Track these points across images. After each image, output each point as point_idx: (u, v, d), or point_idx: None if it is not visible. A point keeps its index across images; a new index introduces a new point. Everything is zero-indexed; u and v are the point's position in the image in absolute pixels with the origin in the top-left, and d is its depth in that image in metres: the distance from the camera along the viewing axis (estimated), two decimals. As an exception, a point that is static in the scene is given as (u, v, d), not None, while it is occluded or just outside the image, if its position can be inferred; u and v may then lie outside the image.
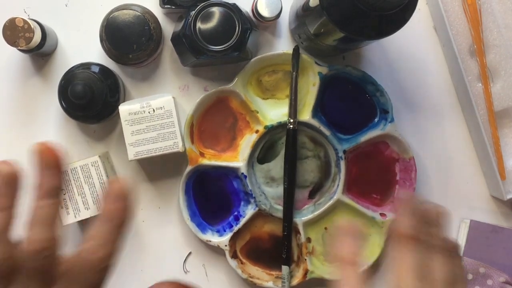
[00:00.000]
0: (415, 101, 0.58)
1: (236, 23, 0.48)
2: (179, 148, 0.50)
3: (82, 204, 0.51)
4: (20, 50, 0.51)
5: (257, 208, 0.54)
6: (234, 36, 0.48)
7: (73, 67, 0.52)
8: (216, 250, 0.56)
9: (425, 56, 0.58)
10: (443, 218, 0.39)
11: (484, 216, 0.58)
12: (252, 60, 0.53)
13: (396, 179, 0.56)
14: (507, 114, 0.57)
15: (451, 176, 0.58)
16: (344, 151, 0.54)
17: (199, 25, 0.47)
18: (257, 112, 0.54)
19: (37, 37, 0.50)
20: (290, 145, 0.53)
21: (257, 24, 0.54)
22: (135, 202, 0.40)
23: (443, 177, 0.58)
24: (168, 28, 0.55)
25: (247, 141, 0.55)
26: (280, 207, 0.55)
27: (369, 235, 0.56)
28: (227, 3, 0.48)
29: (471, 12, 0.56)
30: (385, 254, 0.57)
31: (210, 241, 0.54)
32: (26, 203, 0.38)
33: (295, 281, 0.55)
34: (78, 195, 0.51)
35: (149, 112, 0.50)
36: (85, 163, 0.51)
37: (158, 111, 0.50)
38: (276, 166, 0.55)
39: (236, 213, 0.56)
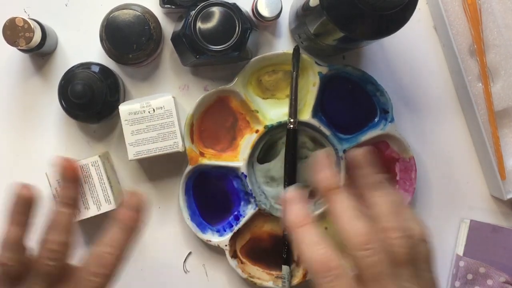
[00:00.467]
0: (415, 101, 0.58)
1: (236, 23, 0.48)
2: (179, 147, 0.50)
3: (82, 204, 0.51)
4: (20, 50, 0.51)
5: (257, 208, 0.54)
6: (234, 36, 0.48)
7: (73, 66, 0.52)
8: (216, 250, 0.56)
9: (425, 55, 0.58)
10: (365, 158, 0.41)
11: (484, 216, 0.58)
12: (252, 60, 0.53)
13: (396, 179, 0.56)
14: (507, 114, 0.57)
15: (451, 176, 0.58)
16: (344, 151, 0.54)
17: (199, 24, 0.47)
18: (257, 112, 0.54)
19: (37, 36, 0.50)
20: (290, 145, 0.53)
21: (257, 24, 0.54)
22: (147, 218, 0.44)
23: (443, 177, 0.58)
24: (168, 28, 0.55)
25: (247, 141, 0.55)
26: (280, 207, 0.55)
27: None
28: (227, 2, 0.48)
29: (471, 12, 0.56)
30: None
31: (210, 240, 0.54)
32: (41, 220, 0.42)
33: (295, 281, 0.55)
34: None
35: (149, 112, 0.50)
36: (85, 163, 0.51)
37: (158, 110, 0.50)
38: (276, 166, 0.55)
39: (236, 212, 0.56)
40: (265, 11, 0.51)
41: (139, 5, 0.51)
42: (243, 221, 0.55)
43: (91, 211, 0.51)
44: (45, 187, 0.52)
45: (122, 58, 0.51)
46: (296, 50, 0.53)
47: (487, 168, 0.57)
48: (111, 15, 0.49)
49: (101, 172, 0.51)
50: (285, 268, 0.54)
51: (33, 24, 0.49)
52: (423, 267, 0.38)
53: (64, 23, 0.56)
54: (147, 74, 0.56)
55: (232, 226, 0.55)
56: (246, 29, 0.48)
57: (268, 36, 0.57)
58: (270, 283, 0.55)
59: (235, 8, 0.48)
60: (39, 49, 0.51)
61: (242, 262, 0.56)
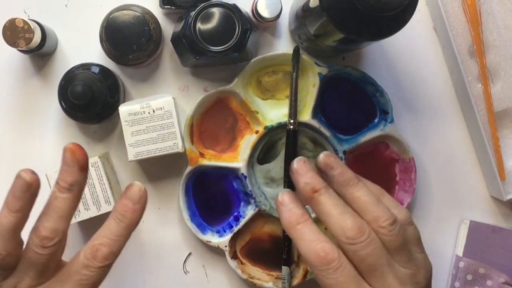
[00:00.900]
0: (415, 101, 0.58)
1: (236, 23, 0.48)
2: (179, 148, 0.50)
3: (82, 205, 0.51)
4: (20, 51, 0.51)
5: (257, 209, 0.54)
6: (234, 37, 0.48)
7: (73, 67, 0.52)
8: (216, 250, 0.56)
9: (425, 56, 0.58)
10: (333, 159, 0.43)
11: (484, 217, 0.58)
12: (252, 60, 0.53)
13: (396, 180, 0.56)
14: (507, 114, 0.57)
15: (451, 176, 0.58)
16: (344, 152, 0.54)
17: (199, 25, 0.47)
18: (257, 113, 0.54)
19: (37, 37, 0.50)
20: (290, 146, 0.53)
21: (257, 25, 0.54)
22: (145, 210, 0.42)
23: (443, 178, 0.58)
24: (168, 28, 0.55)
25: (247, 142, 0.55)
26: (280, 208, 0.55)
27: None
28: (227, 3, 0.48)
29: (471, 13, 0.56)
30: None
31: (210, 241, 0.54)
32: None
33: (295, 282, 0.55)
34: (78, 195, 0.51)
35: (149, 113, 0.50)
36: (85, 163, 0.50)
37: (158, 111, 0.50)
38: (276, 167, 0.56)
39: (236, 213, 0.56)
40: (265, 12, 0.51)
41: (139, 6, 0.52)
42: (243, 222, 0.55)
43: (91, 212, 0.51)
44: (45, 188, 0.52)
45: (122, 59, 0.51)
46: (296, 51, 0.53)
47: (486, 169, 0.57)
48: (111, 16, 0.49)
49: (101, 173, 0.51)
50: (285, 269, 0.54)
51: (33, 25, 0.49)
52: (415, 249, 0.41)
53: (64, 24, 0.56)
54: (147, 75, 0.56)
55: (232, 227, 0.55)
56: (246, 30, 0.48)
57: (268, 37, 0.57)
58: (270, 284, 0.55)
59: (235, 9, 0.48)
60: (39, 50, 0.51)
61: (242, 263, 0.56)
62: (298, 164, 0.43)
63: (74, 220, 0.51)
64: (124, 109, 0.50)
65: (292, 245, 0.55)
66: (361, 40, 0.45)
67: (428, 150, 0.58)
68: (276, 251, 0.55)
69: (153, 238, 0.56)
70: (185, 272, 0.57)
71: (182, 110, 0.56)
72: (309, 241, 0.39)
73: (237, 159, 0.55)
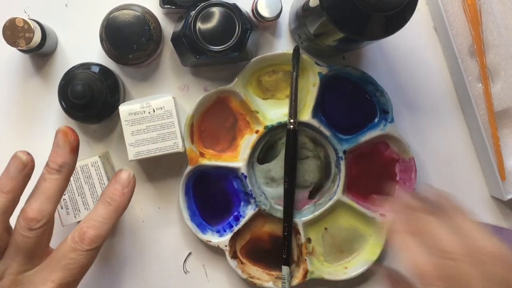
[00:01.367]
0: (415, 101, 0.58)
1: (236, 23, 0.48)
2: (179, 148, 0.50)
3: (82, 204, 0.51)
4: (20, 50, 0.51)
5: (257, 209, 0.54)
6: (234, 36, 0.48)
7: (73, 67, 0.52)
8: (216, 250, 0.56)
9: (425, 56, 0.58)
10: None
11: (484, 217, 0.58)
12: (252, 60, 0.53)
13: (396, 180, 0.56)
14: (507, 114, 0.57)
15: (451, 176, 0.58)
16: (344, 152, 0.54)
17: (199, 25, 0.47)
18: (257, 112, 0.54)
19: (37, 37, 0.50)
20: (290, 146, 0.53)
21: (257, 24, 0.54)
22: (134, 193, 0.42)
23: (443, 177, 0.58)
24: (168, 28, 0.55)
25: (247, 141, 0.55)
26: (280, 208, 0.55)
27: (369, 236, 0.56)
28: (227, 3, 0.48)
29: (471, 12, 0.56)
30: (385, 254, 0.57)
31: (210, 241, 0.54)
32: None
33: (295, 282, 0.55)
34: (78, 195, 0.51)
35: (149, 112, 0.50)
36: (85, 163, 0.51)
37: (158, 111, 0.50)
38: (276, 166, 0.55)
39: (236, 213, 0.56)
40: (265, 12, 0.51)
41: (139, 6, 0.51)
42: (243, 221, 0.55)
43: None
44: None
45: (122, 59, 0.51)
46: (296, 51, 0.53)
47: (487, 168, 0.57)
48: (111, 16, 0.49)
49: (101, 173, 0.51)
50: (285, 268, 0.54)
51: (33, 25, 0.49)
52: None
53: (64, 23, 0.56)
54: (147, 74, 0.56)
55: (232, 226, 0.55)
56: (246, 30, 0.48)
57: (268, 37, 0.57)
58: (270, 284, 0.55)
59: (235, 8, 0.48)
60: (39, 50, 0.51)
61: (242, 263, 0.56)
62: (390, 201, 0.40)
63: (74, 220, 0.51)
64: (124, 109, 0.50)
65: (292, 244, 0.55)
66: (361, 40, 0.45)
67: (428, 150, 0.58)
68: (276, 250, 0.55)
69: (153, 238, 0.56)
70: (185, 272, 0.57)
71: (182, 109, 0.56)
72: (415, 253, 0.36)
73: (237, 158, 0.55)
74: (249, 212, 0.55)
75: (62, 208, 0.50)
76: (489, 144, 0.55)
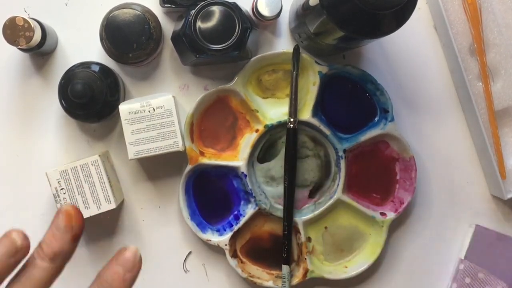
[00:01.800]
0: (415, 100, 0.58)
1: (236, 22, 0.48)
2: (179, 147, 0.50)
3: (82, 203, 0.51)
4: (20, 49, 0.51)
5: (257, 208, 0.54)
6: (234, 35, 0.48)
7: (73, 66, 0.52)
8: (216, 249, 0.56)
9: (425, 55, 0.58)
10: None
11: (485, 216, 0.58)
12: (252, 59, 0.53)
13: (396, 179, 0.56)
14: (507, 113, 0.57)
15: (451, 175, 0.58)
16: (344, 150, 0.54)
17: (199, 24, 0.47)
18: (257, 111, 0.54)
19: (37, 36, 0.50)
20: (290, 145, 0.53)
21: (257, 23, 0.54)
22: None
23: (443, 177, 0.58)
24: (168, 27, 0.55)
25: (247, 140, 0.55)
26: (280, 207, 0.55)
27: (369, 235, 0.56)
28: (227, 2, 0.48)
29: (471, 11, 0.56)
30: (384, 253, 0.57)
31: (210, 240, 0.54)
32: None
33: (295, 281, 0.55)
34: (78, 194, 0.51)
35: (149, 111, 0.50)
36: (85, 162, 0.51)
37: (158, 110, 0.50)
38: (276, 165, 0.55)
39: (236, 212, 0.56)
40: (265, 11, 0.51)
41: (139, 5, 0.51)
42: (243, 220, 0.55)
43: (91, 210, 0.51)
44: (45, 187, 0.52)
45: (122, 58, 0.51)
46: (296, 50, 0.53)
47: (487, 167, 0.57)
48: (111, 15, 0.49)
49: (101, 172, 0.51)
50: (285, 267, 0.54)
51: (33, 24, 0.49)
52: None
53: (64, 22, 0.56)
54: (147, 73, 0.56)
55: (232, 225, 0.55)
56: (246, 29, 0.48)
57: (268, 36, 0.57)
58: (270, 283, 0.55)
59: (235, 7, 0.48)
60: (39, 49, 0.51)
61: (242, 262, 0.56)
62: None
63: (74, 218, 0.51)
64: (124, 108, 0.50)
65: (292, 243, 0.55)
66: (361, 38, 0.45)
67: (428, 149, 0.58)
68: (276, 250, 0.55)
69: (153, 237, 0.56)
70: (185, 271, 0.57)
71: (182, 108, 0.56)
72: None
73: (237, 157, 0.55)
74: (249, 211, 0.55)
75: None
76: (489, 143, 0.55)
